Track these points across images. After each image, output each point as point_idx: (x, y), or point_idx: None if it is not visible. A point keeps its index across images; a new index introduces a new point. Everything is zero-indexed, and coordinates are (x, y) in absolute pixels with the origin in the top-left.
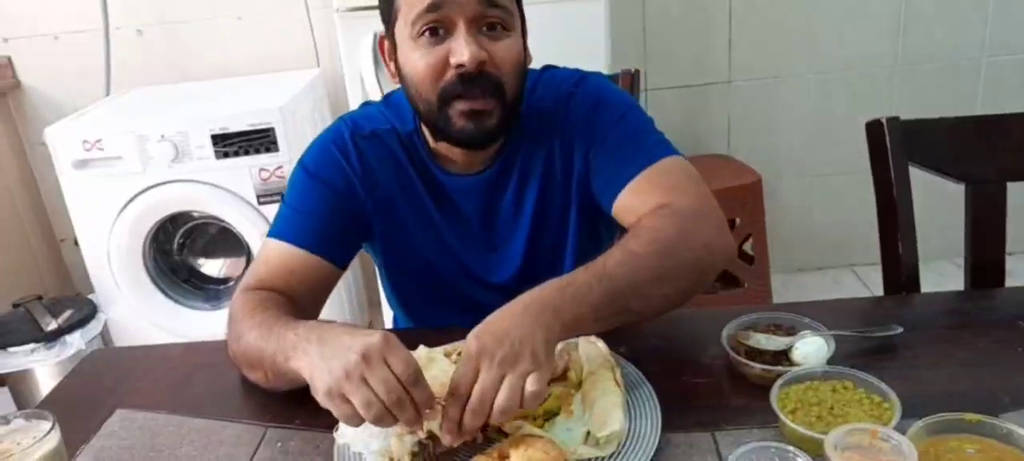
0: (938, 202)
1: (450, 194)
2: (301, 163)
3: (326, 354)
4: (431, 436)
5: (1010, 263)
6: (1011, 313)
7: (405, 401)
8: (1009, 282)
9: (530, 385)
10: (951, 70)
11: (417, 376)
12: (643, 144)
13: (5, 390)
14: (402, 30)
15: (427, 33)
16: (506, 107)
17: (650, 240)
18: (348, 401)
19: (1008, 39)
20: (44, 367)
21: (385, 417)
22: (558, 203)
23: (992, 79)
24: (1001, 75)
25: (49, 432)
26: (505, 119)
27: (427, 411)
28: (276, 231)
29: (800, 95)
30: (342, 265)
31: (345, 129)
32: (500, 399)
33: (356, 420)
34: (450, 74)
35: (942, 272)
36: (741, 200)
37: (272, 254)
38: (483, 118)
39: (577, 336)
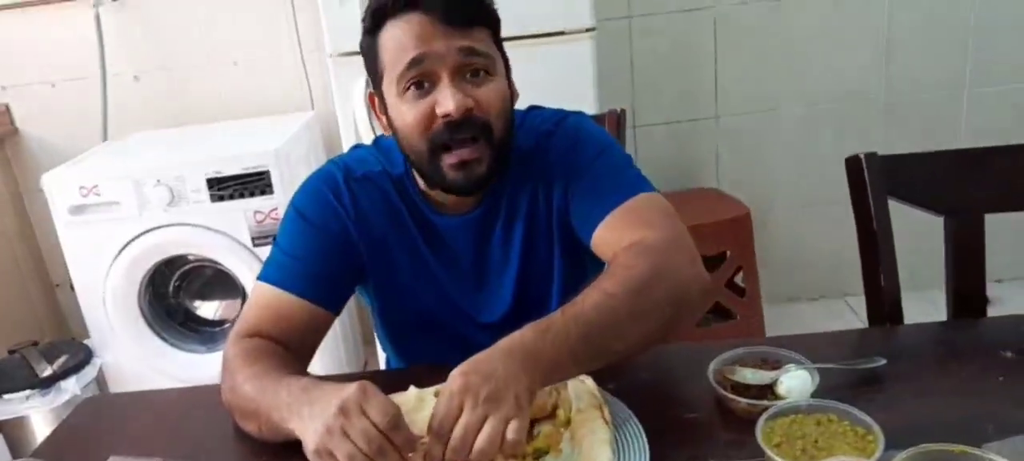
0: (929, 231)
1: (441, 234)
2: (293, 205)
3: (313, 414)
4: None
5: (997, 290)
6: (993, 342)
7: (386, 448)
8: (996, 309)
9: (511, 433)
10: (935, 102)
11: (395, 421)
12: (619, 180)
13: (0, 437)
14: (389, 87)
15: (413, 87)
16: (495, 150)
17: (624, 279)
18: (335, 457)
19: (989, 71)
20: (39, 413)
21: None
22: (544, 241)
23: (975, 110)
24: (984, 106)
25: None
26: (495, 162)
27: (411, 454)
28: (268, 275)
29: (787, 129)
30: (336, 310)
31: (337, 171)
32: (480, 441)
33: None
34: (438, 124)
35: (934, 301)
36: (731, 233)
37: (264, 299)
38: (473, 167)
39: (558, 381)
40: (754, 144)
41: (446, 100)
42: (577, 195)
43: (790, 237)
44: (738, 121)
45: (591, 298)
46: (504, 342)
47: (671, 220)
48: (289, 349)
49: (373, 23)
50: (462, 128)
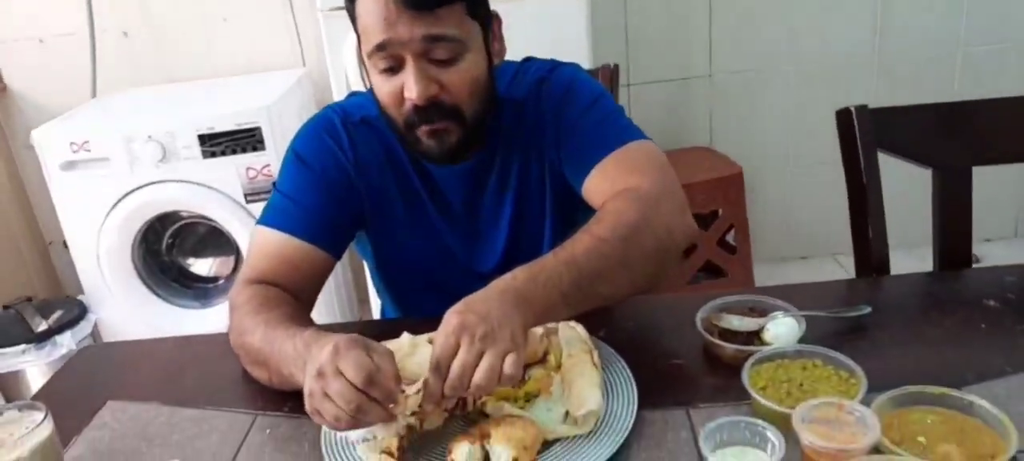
0: (920, 189)
1: (437, 181)
2: (293, 149)
3: (306, 372)
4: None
5: (986, 249)
6: (977, 293)
7: (365, 405)
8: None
9: (508, 367)
10: (928, 61)
11: (370, 377)
12: (611, 128)
13: None
14: (366, 56)
15: (383, 66)
16: (466, 126)
17: (613, 225)
18: (324, 419)
19: (983, 29)
20: (35, 368)
21: (356, 423)
22: (536, 190)
23: (968, 69)
24: (977, 65)
25: (41, 422)
26: (469, 135)
27: (394, 404)
28: (271, 219)
29: (780, 88)
30: (338, 254)
31: (335, 116)
32: (478, 376)
33: (335, 429)
34: (407, 105)
35: (924, 258)
36: (723, 191)
37: (269, 244)
38: (445, 137)
39: (549, 322)
40: (747, 103)
41: (411, 86)
42: (569, 142)
43: (782, 196)
44: (732, 79)
45: (582, 242)
46: (498, 283)
47: (662, 169)
48: (294, 294)
49: None
50: (429, 112)
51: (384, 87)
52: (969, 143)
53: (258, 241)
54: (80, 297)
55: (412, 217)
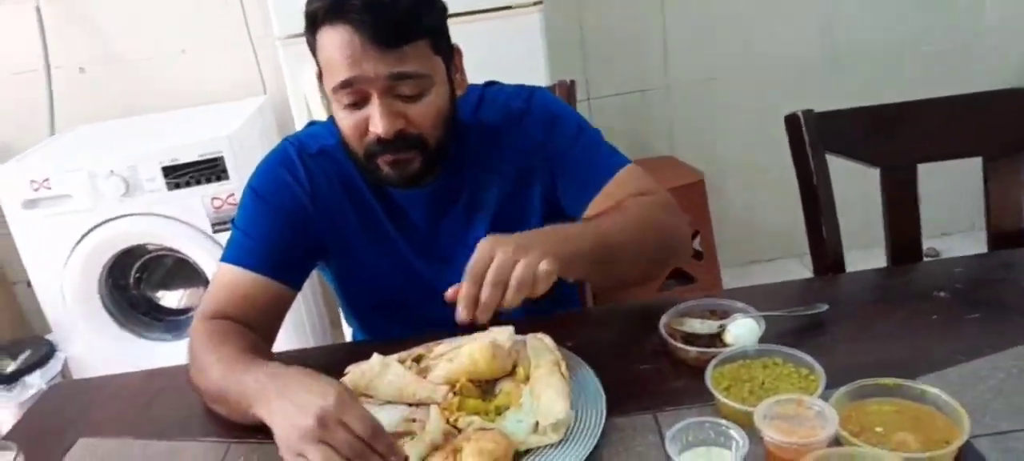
0: (873, 190)
1: (399, 203)
2: (250, 186)
3: (285, 411)
4: None
5: (943, 243)
6: (928, 286)
7: (367, 454)
8: None
9: (544, 265)
10: (878, 62)
11: (376, 430)
12: (599, 157)
13: None
14: (327, 89)
15: (347, 101)
16: (429, 153)
17: (636, 212)
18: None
19: (929, 29)
20: (5, 409)
21: None
22: (520, 215)
23: (918, 68)
24: (925, 63)
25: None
26: (430, 162)
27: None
28: (230, 256)
29: (737, 95)
30: (296, 286)
31: (291, 149)
32: (518, 271)
33: None
34: (371, 137)
35: (880, 258)
36: (687, 199)
37: (227, 279)
38: (406, 166)
39: (572, 273)
40: (706, 111)
41: (376, 121)
42: (563, 174)
43: (745, 201)
44: (689, 89)
45: (606, 217)
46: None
47: (657, 186)
48: (253, 328)
49: (309, 24)
50: (394, 144)
51: (347, 120)
52: (912, 142)
53: (217, 278)
54: (48, 336)
55: (374, 243)
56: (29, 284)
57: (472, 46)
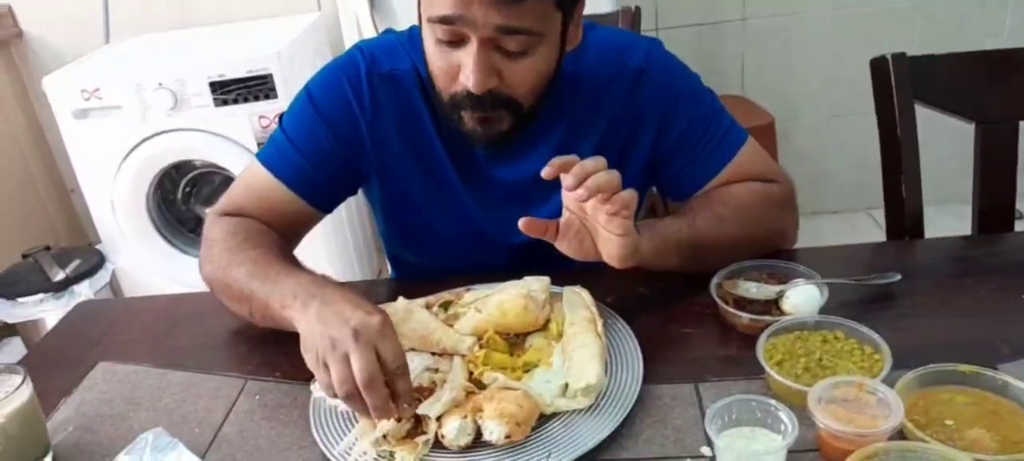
0: (960, 141)
1: (472, 154)
2: (308, 89)
3: (324, 317)
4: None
5: None
6: (1017, 259)
7: (378, 386)
8: None
9: (627, 192)
10: (975, 3)
11: (403, 369)
12: (720, 134)
13: (16, 339)
14: (423, 15)
15: (442, 37)
16: (521, 116)
17: (737, 209)
18: (328, 370)
19: None
20: (54, 316)
21: (354, 398)
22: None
23: (1019, 13)
24: None
25: (20, 386)
26: (519, 125)
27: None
28: (266, 156)
29: (816, 33)
30: (327, 210)
31: (361, 62)
32: (603, 174)
33: (331, 391)
34: (460, 85)
35: (961, 216)
36: None
37: (259, 184)
38: (494, 125)
39: (657, 264)
40: (781, 49)
41: (469, 73)
42: (679, 158)
43: (815, 147)
44: (765, 24)
45: (704, 215)
46: None
47: (776, 169)
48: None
49: None
50: (483, 101)
51: (438, 59)
52: (1015, 95)
53: (247, 175)
54: (98, 247)
55: (428, 180)
56: (81, 192)
57: None
